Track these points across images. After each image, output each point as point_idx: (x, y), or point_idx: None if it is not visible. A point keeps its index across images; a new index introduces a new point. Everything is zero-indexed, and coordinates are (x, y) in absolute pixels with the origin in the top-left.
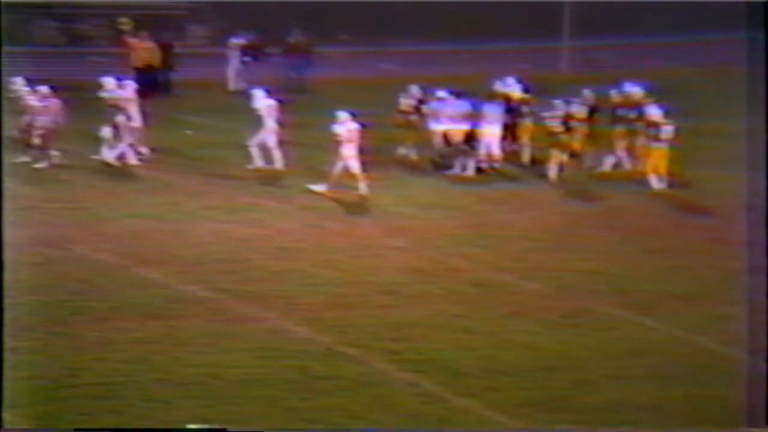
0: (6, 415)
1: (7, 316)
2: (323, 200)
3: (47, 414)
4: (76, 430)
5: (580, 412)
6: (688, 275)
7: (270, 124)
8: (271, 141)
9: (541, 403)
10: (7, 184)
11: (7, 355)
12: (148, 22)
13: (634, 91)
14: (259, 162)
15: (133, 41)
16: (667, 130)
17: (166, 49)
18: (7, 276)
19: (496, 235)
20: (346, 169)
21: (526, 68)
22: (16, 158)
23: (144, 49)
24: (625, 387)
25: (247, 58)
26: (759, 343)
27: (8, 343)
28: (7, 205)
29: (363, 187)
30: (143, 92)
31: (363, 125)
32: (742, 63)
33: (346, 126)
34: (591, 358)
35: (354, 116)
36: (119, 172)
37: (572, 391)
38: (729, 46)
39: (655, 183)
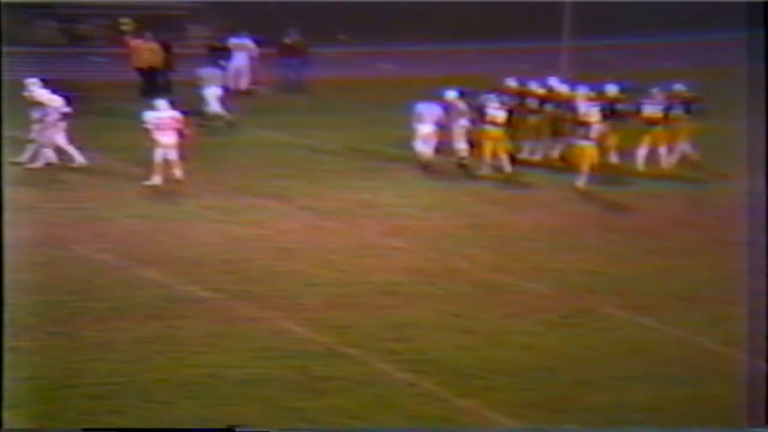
0: (6, 415)
1: (7, 316)
2: (323, 200)
3: (47, 414)
4: (76, 430)
5: (580, 412)
6: (688, 275)
7: (60, 122)
8: (60, 139)
9: (541, 403)
10: (7, 184)
11: (7, 355)
12: (148, 22)
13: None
14: (51, 158)
15: (135, 42)
16: (596, 129)
17: (166, 49)
18: (7, 276)
19: (496, 235)
20: (166, 159)
21: (526, 68)
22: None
23: (146, 50)
24: (625, 387)
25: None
26: (759, 343)
27: (8, 343)
28: (8, 205)
29: (178, 174)
30: (146, 92)
31: (185, 113)
32: (742, 63)
33: (162, 114)
34: (591, 359)
35: (173, 104)
36: (119, 172)
37: (572, 391)
38: (729, 46)
39: (582, 180)
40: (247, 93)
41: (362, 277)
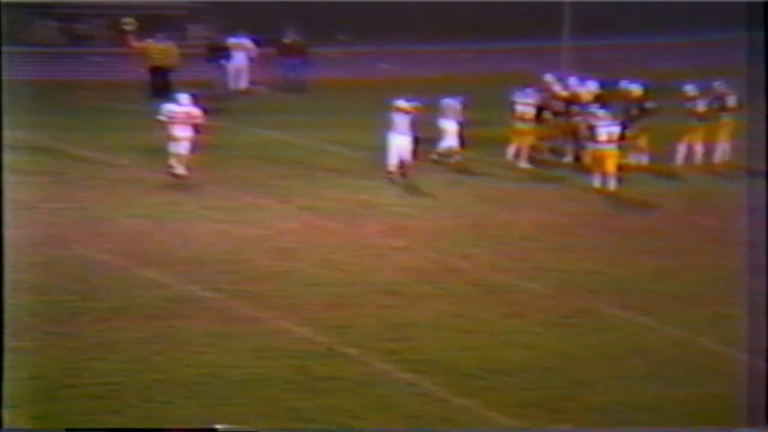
0: (6, 415)
1: (7, 316)
2: (323, 200)
3: (47, 414)
4: (75, 430)
5: (580, 412)
6: (688, 275)
7: None
8: None
9: (541, 403)
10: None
11: (7, 355)
12: (148, 22)
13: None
14: None
15: (145, 42)
16: (610, 131)
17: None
18: (7, 276)
19: (496, 235)
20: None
21: (527, 68)
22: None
23: (157, 50)
24: (625, 387)
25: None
26: (759, 343)
27: (8, 343)
28: (8, 205)
29: (181, 168)
30: (155, 91)
31: (204, 109)
32: (742, 63)
33: (178, 108)
34: (591, 358)
35: (195, 98)
36: (120, 172)
37: (572, 391)
38: (729, 46)
39: (598, 182)
40: (247, 93)
41: (362, 277)
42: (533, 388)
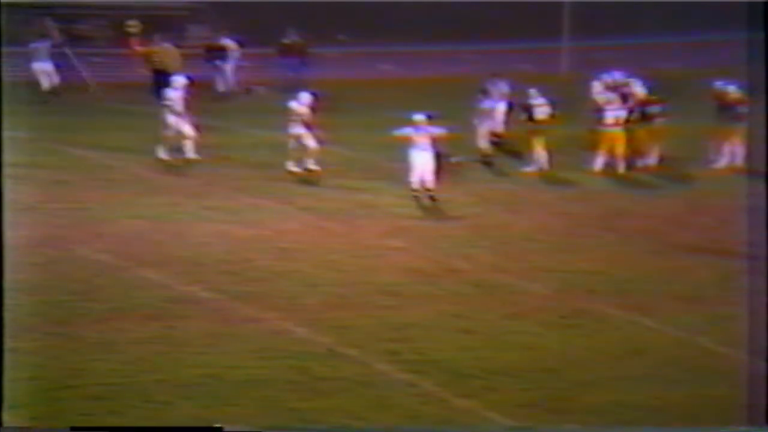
0: (6, 415)
1: (7, 316)
2: (323, 201)
3: (47, 414)
4: (75, 429)
5: (580, 412)
6: (688, 275)
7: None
8: (187, 129)
9: (541, 403)
10: (7, 184)
11: (7, 355)
12: (147, 23)
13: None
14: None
15: (146, 43)
16: (617, 115)
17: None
18: (7, 276)
19: (496, 235)
20: (302, 147)
21: (526, 68)
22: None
23: (157, 52)
24: (625, 387)
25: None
26: (759, 343)
27: (8, 343)
28: (8, 205)
29: (311, 164)
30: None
31: (312, 107)
32: (742, 63)
33: (302, 104)
34: (591, 359)
35: (315, 96)
36: (119, 172)
37: (572, 391)
38: (729, 46)
39: (599, 164)
40: (247, 93)
41: (362, 278)
42: (533, 389)
